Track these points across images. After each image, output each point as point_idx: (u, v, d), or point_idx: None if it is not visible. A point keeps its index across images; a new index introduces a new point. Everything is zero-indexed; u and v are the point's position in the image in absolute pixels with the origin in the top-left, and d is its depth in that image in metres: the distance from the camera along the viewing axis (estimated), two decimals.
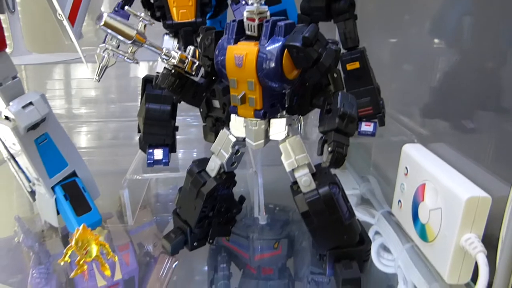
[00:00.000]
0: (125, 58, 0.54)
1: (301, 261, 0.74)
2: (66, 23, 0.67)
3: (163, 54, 0.54)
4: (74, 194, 0.72)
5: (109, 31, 0.50)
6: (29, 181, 0.73)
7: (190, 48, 0.57)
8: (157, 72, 0.77)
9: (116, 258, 0.63)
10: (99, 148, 1.24)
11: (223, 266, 0.72)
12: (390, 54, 1.18)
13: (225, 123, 0.76)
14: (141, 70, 1.39)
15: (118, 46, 0.65)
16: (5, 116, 0.65)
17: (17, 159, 0.70)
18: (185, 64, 0.55)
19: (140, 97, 0.79)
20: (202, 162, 0.64)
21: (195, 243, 0.68)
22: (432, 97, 0.96)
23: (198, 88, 0.59)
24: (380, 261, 0.70)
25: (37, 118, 0.65)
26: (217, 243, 0.74)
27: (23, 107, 0.63)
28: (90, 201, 0.73)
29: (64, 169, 0.72)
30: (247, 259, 0.74)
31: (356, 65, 0.78)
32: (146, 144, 0.78)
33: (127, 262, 0.72)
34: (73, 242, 0.61)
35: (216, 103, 0.85)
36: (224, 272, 0.71)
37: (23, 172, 0.72)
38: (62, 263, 0.61)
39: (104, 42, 0.72)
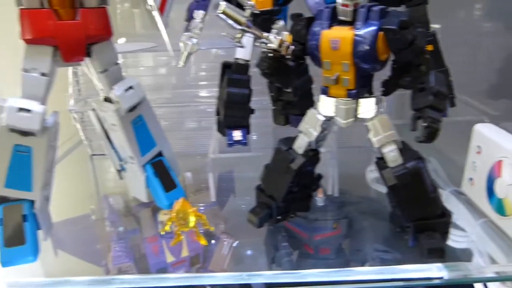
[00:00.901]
0: (234, 42, 0.59)
1: (362, 240, 0.77)
2: (156, 13, 0.72)
3: (264, 39, 0.58)
4: (162, 172, 0.77)
5: (226, 18, 0.55)
6: (119, 160, 0.80)
7: (284, 34, 0.61)
8: (235, 58, 0.82)
9: (213, 228, 0.69)
10: None
11: (284, 244, 0.74)
12: (447, 37, 1.18)
13: (296, 106, 0.80)
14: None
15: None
16: (104, 98, 0.71)
17: (113, 139, 0.76)
18: (281, 48, 0.60)
19: (220, 82, 0.84)
20: (288, 141, 0.69)
21: (278, 217, 0.72)
22: (496, 78, 0.98)
23: (289, 70, 0.64)
24: (451, 238, 0.72)
25: (136, 100, 0.70)
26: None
27: (125, 90, 0.69)
28: (175, 179, 0.79)
29: (153, 149, 0.77)
30: (306, 239, 0.77)
31: (430, 48, 0.80)
32: (226, 126, 0.83)
33: (192, 240, 0.76)
34: (173, 214, 0.66)
35: None
36: (286, 250, 0.73)
37: (115, 152, 0.78)
38: (163, 233, 0.67)
39: (187, 31, 0.76)
